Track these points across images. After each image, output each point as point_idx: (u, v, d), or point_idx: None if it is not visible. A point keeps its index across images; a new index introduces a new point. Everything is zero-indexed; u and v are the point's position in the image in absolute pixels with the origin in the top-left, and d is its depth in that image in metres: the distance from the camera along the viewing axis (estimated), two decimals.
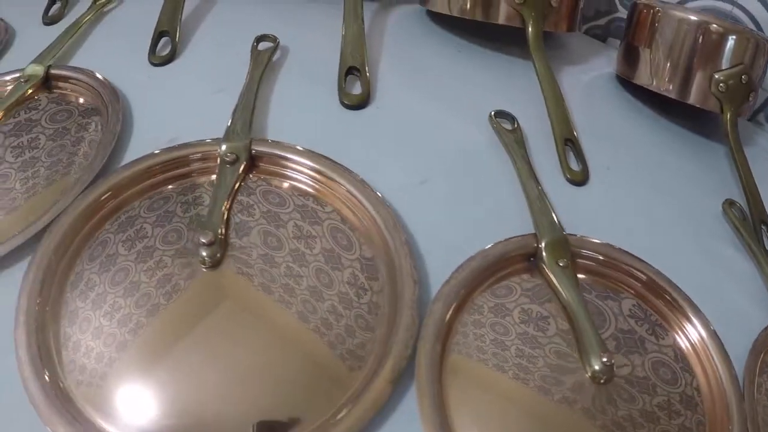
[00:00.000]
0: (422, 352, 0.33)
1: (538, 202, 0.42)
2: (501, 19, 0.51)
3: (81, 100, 0.51)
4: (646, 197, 0.48)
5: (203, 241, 0.38)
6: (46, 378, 0.33)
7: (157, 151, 0.44)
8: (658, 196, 0.48)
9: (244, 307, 0.37)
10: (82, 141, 0.47)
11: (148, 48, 0.55)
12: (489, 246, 0.38)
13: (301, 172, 0.43)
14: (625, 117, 0.56)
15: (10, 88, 0.51)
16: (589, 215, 0.44)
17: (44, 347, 0.35)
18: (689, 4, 0.62)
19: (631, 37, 0.55)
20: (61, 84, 0.51)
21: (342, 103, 0.49)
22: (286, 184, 0.43)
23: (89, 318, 0.36)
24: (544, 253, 0.38)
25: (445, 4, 0.53)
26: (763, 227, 0.48)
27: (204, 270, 0.39)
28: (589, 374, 0.34)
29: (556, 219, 0.41)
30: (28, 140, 0.47)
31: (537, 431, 0.33)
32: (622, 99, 0.59)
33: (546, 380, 0.34)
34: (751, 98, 0.54)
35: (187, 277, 0.38)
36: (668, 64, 0.52)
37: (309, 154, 0.43)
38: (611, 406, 0.33)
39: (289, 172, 0.43)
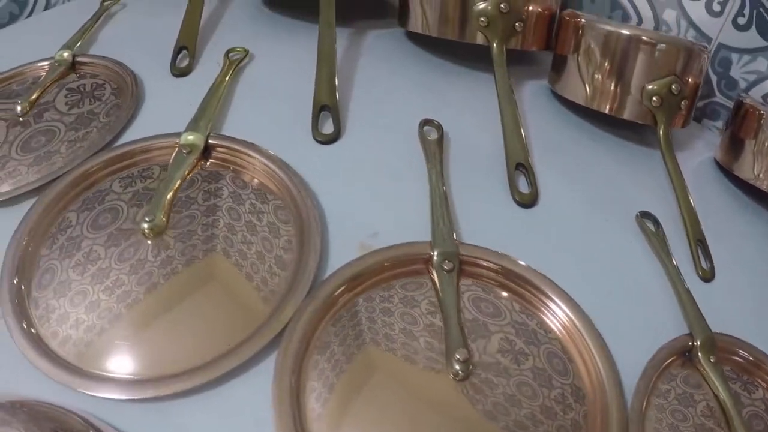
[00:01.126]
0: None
1: (688, 302, 0.43)
2: (632, 116, 0.53)
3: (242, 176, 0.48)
4: None
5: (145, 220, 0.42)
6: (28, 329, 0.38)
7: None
8: None
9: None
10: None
11: (310, 125, 0.52)
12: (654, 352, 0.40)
13: (501, 280, 0.42)
14: (735, 212, 0.54)
15: (173, 155, 0.48)
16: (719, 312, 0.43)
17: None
18: None
19: (737, 130, 0.54)
20: (218, 149, 0.49)
21: (514, 200, 0.49)
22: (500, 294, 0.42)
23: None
24: (699, 353, 0.40)
25: (579, 95, 0.54)
26: (699, 245, 0.48)
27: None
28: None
29: (702, 317, 0.42)
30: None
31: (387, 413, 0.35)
32: (724, 187, 0.56)
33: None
34: (683, 107, 0.55)
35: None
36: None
37: (509, 260, 0.42)
38: None
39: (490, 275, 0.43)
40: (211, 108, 0.51)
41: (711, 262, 0.47)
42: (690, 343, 0.41)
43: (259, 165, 0.47)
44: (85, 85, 0.58)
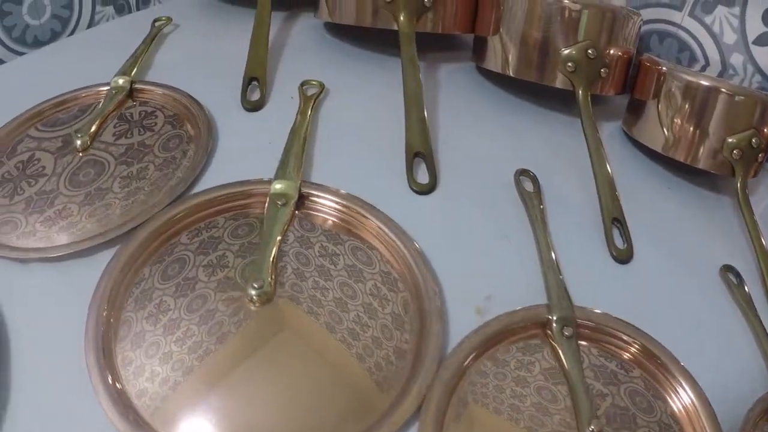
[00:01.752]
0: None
1: None
2: (710, 167, 0.52)
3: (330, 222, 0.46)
4: None
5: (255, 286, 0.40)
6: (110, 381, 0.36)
7: None
8: None
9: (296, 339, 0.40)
10: None
11: (404, 172, 0.50)
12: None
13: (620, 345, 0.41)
14: None
15: (266, 206, 0.45)
16: None
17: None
18: None
19: None
20: (313, 199, 0.47)
21: (611, 255, 0.48)
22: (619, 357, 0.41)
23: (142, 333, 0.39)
24: None
25: (657, 142, 0.54)
26: None
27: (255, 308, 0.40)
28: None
29: None
30: None
31: None
32: None
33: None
34: (603, 73, 0.55)
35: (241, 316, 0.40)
36: None
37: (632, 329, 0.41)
38: None
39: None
40: (297, 151, 0.48)
41: None
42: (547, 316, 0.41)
43: (370, 224, 0.45)
44: (147, 116, 0.56)
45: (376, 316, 0.40)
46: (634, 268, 0.48)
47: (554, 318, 0.41)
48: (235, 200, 0.46)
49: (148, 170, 0.51)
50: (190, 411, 0.36)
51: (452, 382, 0.37)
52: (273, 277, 0.41)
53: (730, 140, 0.53)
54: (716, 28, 0.63)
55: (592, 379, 0.39)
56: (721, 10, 0.62)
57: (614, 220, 0.49)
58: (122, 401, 0.35)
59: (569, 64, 0.54)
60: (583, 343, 0.41)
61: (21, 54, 0.69)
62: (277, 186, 0.46)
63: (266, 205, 0.45)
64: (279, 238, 0.43)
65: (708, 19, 0.63)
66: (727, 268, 0.49)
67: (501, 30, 0.58)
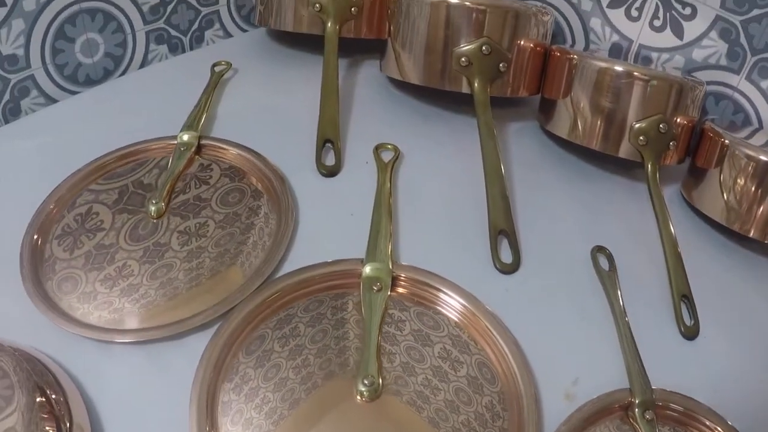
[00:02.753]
0: None
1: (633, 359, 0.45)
2: (621, 153, 0.55)
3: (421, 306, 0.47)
4: None
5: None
6: None
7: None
8: None
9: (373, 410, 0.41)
10: None
11: (489, 250, 0.52)
12: None
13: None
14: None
15: (361, 291, 0.47)
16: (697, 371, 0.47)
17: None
18: None
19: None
20: (402, 280, 0.48)
21: (679, 331, 0.49)
22: None
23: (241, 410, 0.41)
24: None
25: (715, 212, 0.56)
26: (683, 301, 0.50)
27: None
28: None
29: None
30: None
31: None
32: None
33: None
34: (671, 146, 0.57)
35: (326, 376, 0.42)
36: None
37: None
38: None
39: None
40: (385, 229, 0.49)
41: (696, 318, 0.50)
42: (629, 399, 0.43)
43: (456, 306, 0.47)
44: (220, 178, 0.57)
45: (471, 403, 0.42)
46: (700, 344, 0.50)
47: (636, 402, 0.43)
48: (324, 281, 0.47)
49: (208, 226, 0.52)
50: None
51: None
52: (379, 371, 0.42)
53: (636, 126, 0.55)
54: None
55: None
56: None
57: (683, 296, 0.51)
58: None
59: (641, 137, 0.56)
60: (664, 428, 0.43)
61: (73, 93, 0.69)
62: (370, 270, 0.47)
63: (361, 290, 0.46)
64: (378, 326, 0.44)
65: (764, 84, 0.65)
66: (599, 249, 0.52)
67: (571, 95, 0.60)
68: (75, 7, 0.65)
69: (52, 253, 0.50)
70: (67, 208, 0.54)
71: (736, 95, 0.67)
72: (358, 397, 0.41)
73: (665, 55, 0.68)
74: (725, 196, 0.57)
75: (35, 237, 0.50)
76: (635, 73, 0.56)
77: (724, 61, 0.66)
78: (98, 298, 0.47)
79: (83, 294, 0.47)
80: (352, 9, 0.66)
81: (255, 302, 0.45)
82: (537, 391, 0.43)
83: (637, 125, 0.56)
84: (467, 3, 0.59)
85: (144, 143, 0.59)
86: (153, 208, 0.53)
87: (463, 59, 0.59)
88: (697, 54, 0.67)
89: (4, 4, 0.59)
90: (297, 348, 0.44)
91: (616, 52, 0.71)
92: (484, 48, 0.58)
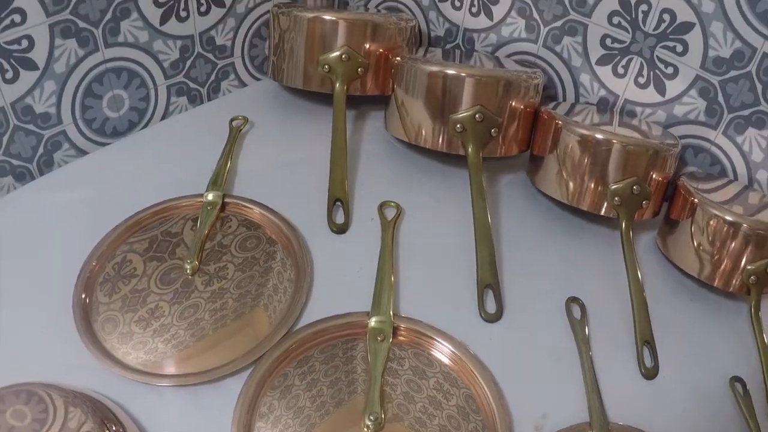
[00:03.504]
0: None
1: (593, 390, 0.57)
2: (724, 287, 0.67)
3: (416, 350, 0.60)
4: None
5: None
6: None
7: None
8: None
9: None
10: None
11: (477, 302, 0.64)
12: None
13: None
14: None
15: (367, 340, 0.59)
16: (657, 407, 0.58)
17: None
18: None
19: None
20: (403, 332, 0.60)
21: (641, 372, 0.62)
22: None
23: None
24: None
25: (685, 262, 0.68)
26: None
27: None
28: None
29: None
30: None
31: None
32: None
33: None
34: (644, 204, 0.69)
35: (337, 404, 0.55)
36: None
37: None
38: None
39: None
40: (387, 285, 0.61)
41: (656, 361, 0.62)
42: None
43: (446, 351, 0.59)
44: (247, 241, 0.69)
45: (460, 428, 0.54)
46: (658, 383, 0.62)
47: None
48: (336, 332, 0.60)
49: (227, 270, 0.65)
50: None
51: None
52: (382, 406, 0.55)
53: (749, 267, 0.67)
54: (746, 147, 0.77)
55: None
56: (751, 132, 0.76)
57: (645, 342, 0.63)
58: None
59: (616, 198, 0.68)
60: None
61: (102, 144, 0.82)
62: (375, 322, 0.59)
63: (367, 340, 0.58)
64: (381, 371, 0.56)
65: (739, 139, 0.77)
66: (735, 379, 0.63)
67: (557, 155, 0.71)
68: (101, 67, 0.77)
69: (96, 299, 0.63)
70: (107, 261, 0.67)
71: (714, 149, 0.78)
72: (365, 430, 0.54)
73: (648, 110, 0.80)
74: (694, 248, 0.69)
75: (83, 296, 0.62)
76: (613, 141, 0.68)
77: (702, 118, 0.77)
78: (134, 338, 0.59)
79: (121, 334, 0.59)
80: (359, 69, 0.78)
81: (280, 350, 0.57)
82: (511, 423, 0.55)
83: (613, 187, 0.68)
84: (462, 73, 0.71)
85: (174, 200, 0.71)
86: (188, 267, 0.64)
87: (458, 125, 0.71)
88: (678, 110, 0.78)
89: (37, 68, 0.72)
90: (313, 381, 0.56)
91: (603, 105, 0.83)
92: (477, 115, 0.70)
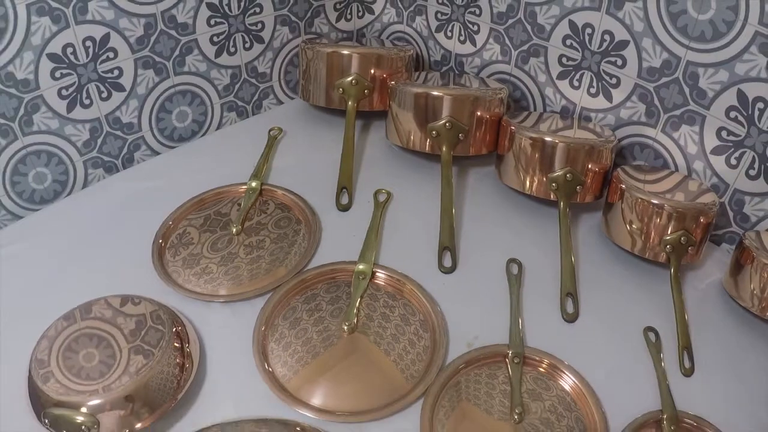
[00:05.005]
0: None
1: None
2: (647, 255, 0.92)
3: (389, 288, 0.90)
4: None
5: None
6: (268, 368, 0.79)
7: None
8: None
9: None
10: None
11: (437, 260, 0.92)
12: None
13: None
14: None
15: (356, 281, 0.89)
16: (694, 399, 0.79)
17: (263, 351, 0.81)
18: None
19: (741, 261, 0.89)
20: (379, 275, 0.90)
21: (562, 317, 0.87)
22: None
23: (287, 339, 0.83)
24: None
25: (618, 237, 0.93)
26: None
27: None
28: None
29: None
30: None
31: None
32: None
33: None
34: (578, 189, 0.96)
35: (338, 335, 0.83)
36: None
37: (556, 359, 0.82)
38: None
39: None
40: (372, 243, 0.93)
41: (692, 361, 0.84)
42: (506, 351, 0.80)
43: (410, 291, 0.89)
44: (276, 212, 1.01)
45: (415, 345, 0.83)
46: (577, 326, 0.88)
47: (510, 352, 0.82)
48: (333, 274, 0.91)
49: (265, 243, 0.96)
50: (309, 382, 0.78)
51: (446, 382, 0.79)
52: (356, 320, 0.85)
53: (666, 238, 0.92)
54: (682, 141, 1.01)
55: (527, 393, 0.80)
56: (685, 128, 1.00)
57: (568, 293, 0.90)
58: (271, 378, 0.79)
59: (553, 184, 0.96)
60: (528, 368, 0.82)
61: (170, 147, 1.16)
62: (360, 267, 0.90)
63: (353, 278, 0.89)
64: (359, 299, 0.87)
65: (675, 135, 1.02)
66: (649, 329, 0.88)
67: (513, 154, 1.00)
68: (171, 90, 1.11)
69: (166, 255, 0.95)
70: (171, 232, 0.99)
71: (656, 144, 1.04)
72: (343, 332, 0.84)
73: (600, 115, 1.07)
74: (624, 225, 0.95)
75: (160, 241, 0.96)
76: (553, 140, 0.96)
77: (643, 119, 1.03)
78: (191, 282, 0.90)
79: (183, 279, 0.91)
80: (365, 91, 1.10)
81: (294, 282, 0.89)
82: (449, 340, 0.83)
83: (551, 175, 0.96)
84: (438, 93, 1.01)
85: (226, 186, 1.04)
86: (234, 230, 0.97)
87: (433, 132, 1.01)
88: (623, 113, 1.04)
89: (124, 90, 1.06)
90: (316, 307, 0.87)
91: (565, 112, 1.10)
92: (447, 124, 1.00)
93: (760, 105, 0.89)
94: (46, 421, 0.72)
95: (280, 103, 1.28)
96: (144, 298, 0.83)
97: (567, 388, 0.80)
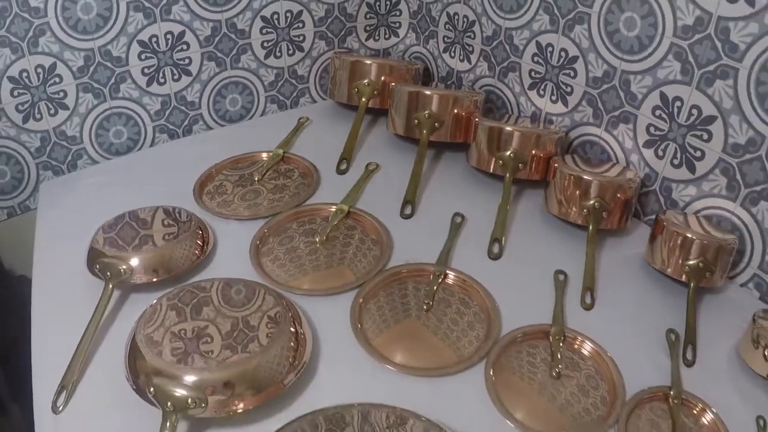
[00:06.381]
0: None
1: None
2: (573, 219, 1.21)
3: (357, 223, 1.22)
4: None
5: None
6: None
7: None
8: None
9: None
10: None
11: (400, 209, 1.24)
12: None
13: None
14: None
15: (332, 213, 1.22)
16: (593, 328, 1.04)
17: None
18: None
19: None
20: (356, 216, 1.22)
21: (489, 257, 1.19)
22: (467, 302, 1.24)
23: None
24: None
25: (548, 203, 1.38)
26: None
27: None
28: None
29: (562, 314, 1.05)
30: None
31: None
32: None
33: None
34: (521, 167, 1.26)
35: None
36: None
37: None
38: None
39: None
40: (353, 195, 1.27)
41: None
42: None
43: (371, 225, 1.22)
44: (289, 168, 1.38)
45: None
46: (499, 263, 1.17)
47: (435, 268, 1.11)
48: (316, 213, 1.26)
49: (288, 188, 1.32)
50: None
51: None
52: (329, 237, 1.19)
53: (583, 204, 1.20)
54: (620, 138, 1.29)
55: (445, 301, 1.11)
56: (622, 126, 1.29)
57: (495, 239, 1.20)
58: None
59: (500, 161, 1.27)
60: (449, 282, 1.12)
61: (221, 125, 1.56)
62: (342, 206, 1.24)
63: (333, 213, 1.24)
64: (331, 229, 1.20)
65: (615, 132, 1.31)
66: (559, 272, 1.15)
67: (476, 141, 1.33)
68: (227, 80, 1.52)
69: (204, 197, 1.33)
70: (209, 182, 1.37)
71: (601, 141, 1.34)
72: (316, 245, 1.18)
73: (560, 118, 1.38)
74: (555, 195, 1.25)
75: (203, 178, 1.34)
76: (504, 128, 1.28)
77: (591, 120, 1.33)
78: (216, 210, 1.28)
79: (216, 214, 1.29)
80: (375, 91, 1.47)
81: (292, 212, 1.25)
82: (391, 255, 1.16)
83: (498, 154, 1.28)
84: (427, 92, 1.36)
85: (254, 153, 1.42)
86: (256, 177, 1.35)
87: (416, 120, 1.36)
88: (576, 116, 1.35)
89: (191, 74, 1.47)
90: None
91: (534, 116, 1.42)
92: (426, 114, 1.35)
93: (678, 103, 1.15)
94: (151, 389, 0.84)
95: (314, 102, 1.68)
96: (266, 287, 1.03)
97: (479, 303, 1.10)
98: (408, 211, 1.28)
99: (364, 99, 1.48)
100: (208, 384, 0.83)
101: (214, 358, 0.86)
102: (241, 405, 0.84)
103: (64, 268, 1.12)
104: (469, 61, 1.53)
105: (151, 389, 0.83)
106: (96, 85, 1.36)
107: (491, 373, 0.95)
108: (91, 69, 1.35)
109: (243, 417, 0.86)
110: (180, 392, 0.82)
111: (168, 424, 0.80)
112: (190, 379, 0.83)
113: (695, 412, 0.93)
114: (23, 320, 1.05)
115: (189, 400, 0.82)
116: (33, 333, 1.01)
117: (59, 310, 1.04)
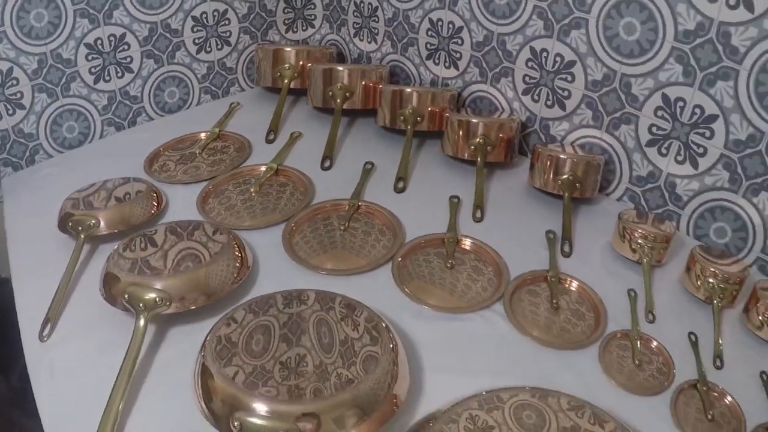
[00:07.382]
0: None
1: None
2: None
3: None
4: None
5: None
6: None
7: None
8: None
9: None
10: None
11: (393, 184, 1.47)
12: None
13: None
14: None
15: (263, 171, 1.49)
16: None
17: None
18: None
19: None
20: (284, 173, 1.52)
21: (395, 190, 1.58)
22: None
23: None
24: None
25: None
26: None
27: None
28: None
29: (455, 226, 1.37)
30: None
31: None
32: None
33: None
34: (489, 150, 1.49)
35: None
36: None
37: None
38: None
39: None
40: (281, 156, 1.56)
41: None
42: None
43: (297, 177, 1.51)
44: (225, 144, 1.66)
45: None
46: (405, 196, 1.48)
47: (349, 201, 1.41)
48: (249, 173, 1.54)
49: (224, 161, 1.59)
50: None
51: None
52: (260, 187, 1.47)
53: (472, 140, 1.50)
54: (503, 89, 1.60)
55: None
56: (503, 81, 1.59)
57: (400, 178, 1.49)
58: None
59: (472, 147, 1.60)
60: (361, 211, 1.41)
61: (161, 116, 1.82)
62: (271, 165, 1.53)
63: (263, 171, 1.52)
64: (258, 186, 1.49)
65: (499, 86, 1.61)
66: (453, 196, 1.46)
67: (448, 131, 1.56)
68: (167, 74, 1.79)
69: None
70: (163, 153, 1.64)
71: (487, 94, 1.62)
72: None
73: (557, 122, 1.52)
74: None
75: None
76: (470, 120, 1.55)
77: (591, 122, 1.43)
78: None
79: (170, 176, 1.56)
80: (296, 74, 1.77)
81: (234, 172, 1.53)
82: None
83: (470, 141, 1.51)
84: (339, 68, 1.66)
85: (193, 133, 1.69)
86: (197, 152, 1.63)
87: (401, 116, 1.62)
88: (575, 119, 1.47)
89: (133, 71, 1.73)
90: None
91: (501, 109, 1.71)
92: (409, 110, 1.61)
93: (681, 103, 1.24)
94: (126, 296, 1.08)
95: (243, 90, 1.97)
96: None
97: (385, 223, 1.38)
98: (327, 164, 1.57)
99: (286, 81, 1.77)
100: (170, 287, 1.10)
101: (173, 269, 1.14)
102: (195, 304, 1.11)
103: (37, 236, 1.32)
104: (457, 68, 1.72)
105: (126, 296, 1.09)
106: (49, 85, 1.61)
107: (397, 268, 1.25)
108: (45, 71, 1.57)
109: (197, 312, 1.11)
110: (149, 295, 1.09)
111: (142, 321, 1.06)
112: (157, 284, 1.10)
113: (568, 285, 1.24)
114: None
115: (157, 299, 1.08)
116: (14, 283, 1.23)
117: (37, 269, 1.25)
